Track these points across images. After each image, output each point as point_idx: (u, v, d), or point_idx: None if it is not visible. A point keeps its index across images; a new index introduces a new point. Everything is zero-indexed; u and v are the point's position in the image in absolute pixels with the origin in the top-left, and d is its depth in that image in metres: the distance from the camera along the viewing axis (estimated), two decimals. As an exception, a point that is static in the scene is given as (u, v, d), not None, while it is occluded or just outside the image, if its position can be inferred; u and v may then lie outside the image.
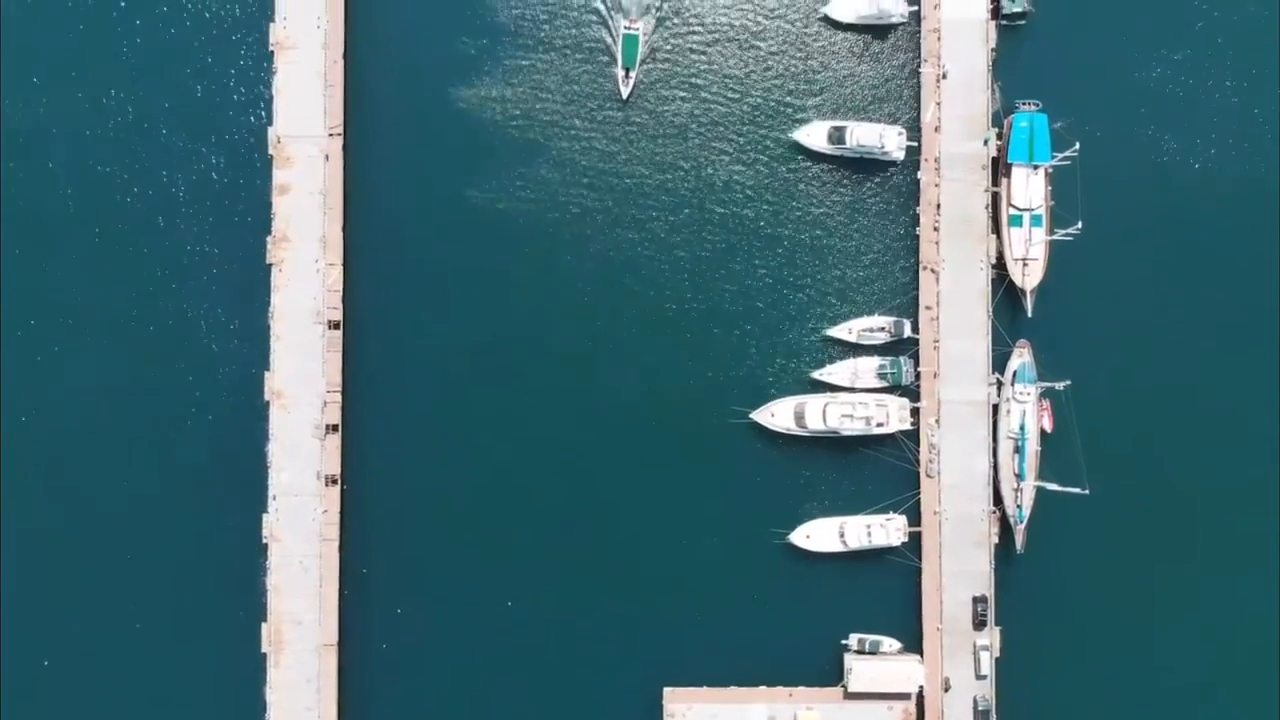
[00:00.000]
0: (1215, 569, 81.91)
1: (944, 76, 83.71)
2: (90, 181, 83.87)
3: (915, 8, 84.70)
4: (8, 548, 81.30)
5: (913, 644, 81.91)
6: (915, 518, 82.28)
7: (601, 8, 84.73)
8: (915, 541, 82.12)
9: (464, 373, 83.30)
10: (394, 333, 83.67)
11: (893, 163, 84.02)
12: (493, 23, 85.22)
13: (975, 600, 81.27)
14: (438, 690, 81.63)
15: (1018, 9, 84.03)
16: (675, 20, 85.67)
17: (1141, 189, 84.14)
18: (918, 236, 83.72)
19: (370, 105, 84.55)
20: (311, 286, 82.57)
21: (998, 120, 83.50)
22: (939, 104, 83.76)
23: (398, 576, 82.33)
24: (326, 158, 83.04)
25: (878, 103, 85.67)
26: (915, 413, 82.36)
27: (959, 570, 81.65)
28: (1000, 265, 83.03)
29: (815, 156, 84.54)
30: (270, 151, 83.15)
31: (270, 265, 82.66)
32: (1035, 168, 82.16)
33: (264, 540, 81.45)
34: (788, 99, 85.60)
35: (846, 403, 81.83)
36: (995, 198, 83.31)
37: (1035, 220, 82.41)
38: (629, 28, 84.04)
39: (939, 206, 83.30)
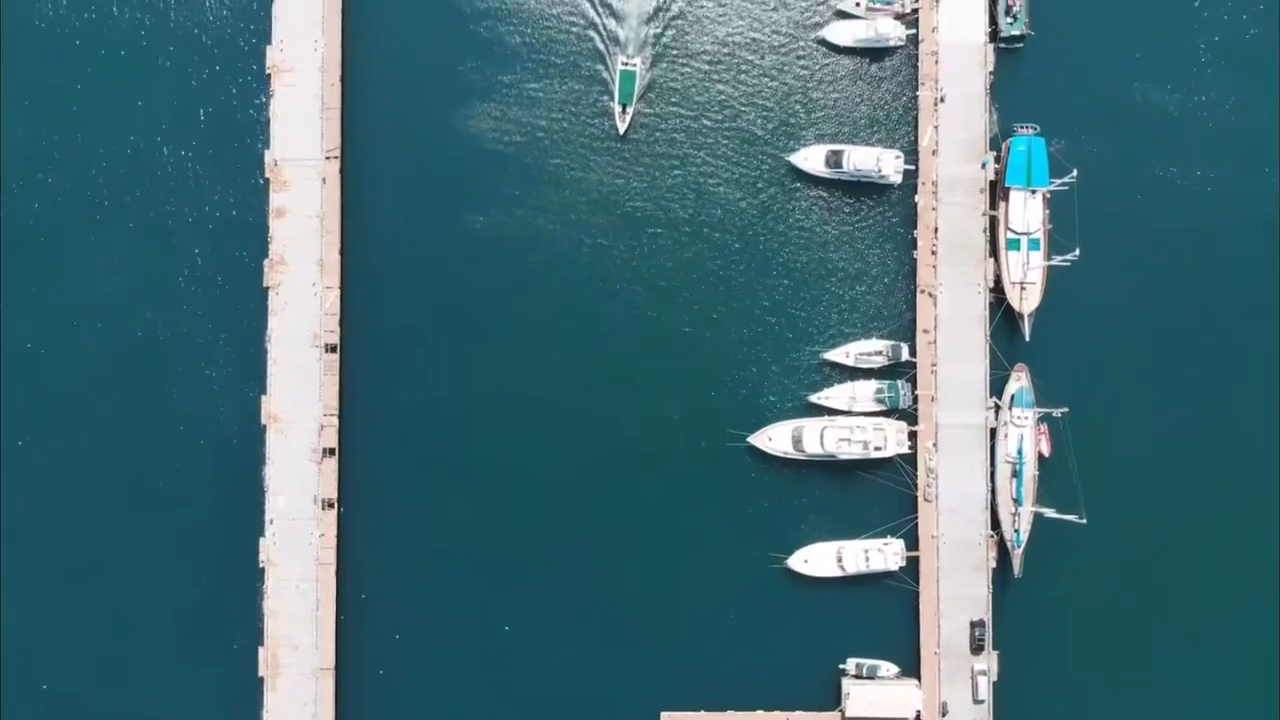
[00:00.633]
0: (1213, 595, 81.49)
1: (942, 100, 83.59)
2: (88, 205, 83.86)
3: (913, 31, 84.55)
4: (6, 571, 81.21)
5: (910, 668, 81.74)
6: (913, 542, 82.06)
7: (599, 44, 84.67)
8: (913, 566, 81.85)
9: (461, 397, 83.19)
10: (391, 356, 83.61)
11: (890, 186, 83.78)
12: (491, 47, 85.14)
13: (973, 625, 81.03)
14: (435, 715, 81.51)
15: (1016, 32, 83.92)
16: (673, 46, 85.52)
17: (1140, 214, 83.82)
18: (915, 260, 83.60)
19: (367, 129, 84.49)
20: (309, 310, 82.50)
21: (996, 144, 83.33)
22: (936, 127, 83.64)
23: (395, 600, 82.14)
24: (324, 181, 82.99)
25: (875, 126, 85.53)
26: (913, 436, 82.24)
27: (957, 595, 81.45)
28: (998, 289, 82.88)
29: (812, 180, 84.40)
30: (267, 175, 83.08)
31: (267, 288, 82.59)
32: (1033, 191, 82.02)
33: (261, 564, 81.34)
34: (785, 122, 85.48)
35: (844, 426, 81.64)
36: (993, 221, 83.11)
37: (1033, 244, 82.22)
38: (626, 64, 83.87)
39: (936, 230, 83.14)
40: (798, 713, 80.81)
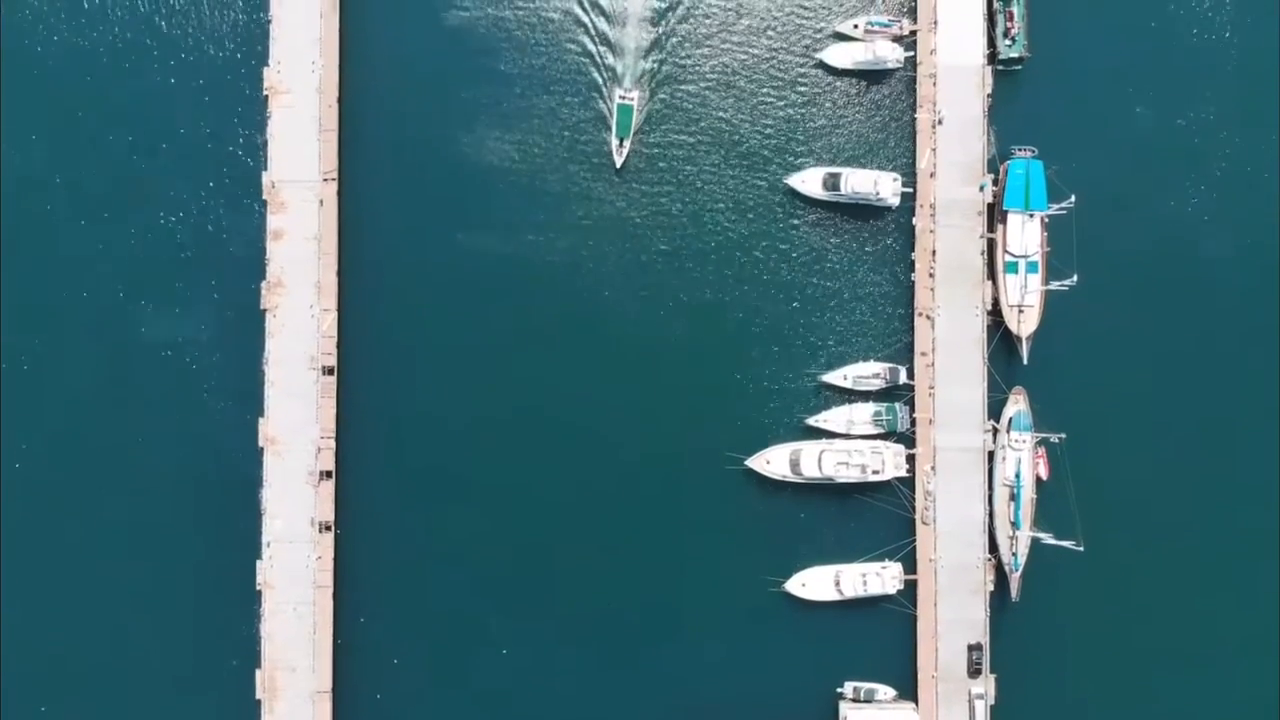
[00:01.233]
0: (1211, 621, 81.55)
1: (940, 122, 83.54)
2: (86, 226, 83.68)
3: (911, 53, 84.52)
4: (5, 592, 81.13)
5: (908, 692, 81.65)
6: (911, 565, 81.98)
7: (597, 76, 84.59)
8: (911, 589, 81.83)
9: (459, 420, 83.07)
10: (388, 379, 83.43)
11: (888, 209, 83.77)
12: (489, 69, 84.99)
13: (970, 648, 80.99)
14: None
15: (1014, 54, 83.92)
16: (671, 70, 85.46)
17: (1138, 238, 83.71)
18: (913, 282, 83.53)
19: (365, 150, 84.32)
20: (306, 332, 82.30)
21: (993, 166, 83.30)
22: (934, 150, 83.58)
23: (392, 623, 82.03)
24: (321, 203, 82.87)
25: (873, 149, 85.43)
26: (911, 459, 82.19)
27: (954, 618, 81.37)
28: (996, 312, 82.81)
29: (810, 203, 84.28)
30: (264, 197, 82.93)
31: (265, 311, 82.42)
32: (1031, 215, 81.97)
33: (258, 586, 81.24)
34: (783, 145, 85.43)
35: (842, 449, 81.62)
36: (991, 244, 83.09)
37: (1031, 267, 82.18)
38: (623, 98, 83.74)
39: (934, 253, 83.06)
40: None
